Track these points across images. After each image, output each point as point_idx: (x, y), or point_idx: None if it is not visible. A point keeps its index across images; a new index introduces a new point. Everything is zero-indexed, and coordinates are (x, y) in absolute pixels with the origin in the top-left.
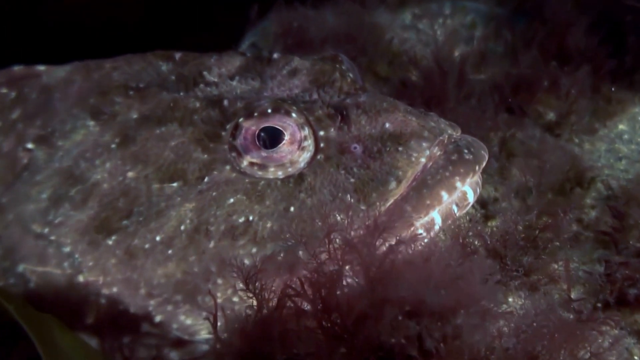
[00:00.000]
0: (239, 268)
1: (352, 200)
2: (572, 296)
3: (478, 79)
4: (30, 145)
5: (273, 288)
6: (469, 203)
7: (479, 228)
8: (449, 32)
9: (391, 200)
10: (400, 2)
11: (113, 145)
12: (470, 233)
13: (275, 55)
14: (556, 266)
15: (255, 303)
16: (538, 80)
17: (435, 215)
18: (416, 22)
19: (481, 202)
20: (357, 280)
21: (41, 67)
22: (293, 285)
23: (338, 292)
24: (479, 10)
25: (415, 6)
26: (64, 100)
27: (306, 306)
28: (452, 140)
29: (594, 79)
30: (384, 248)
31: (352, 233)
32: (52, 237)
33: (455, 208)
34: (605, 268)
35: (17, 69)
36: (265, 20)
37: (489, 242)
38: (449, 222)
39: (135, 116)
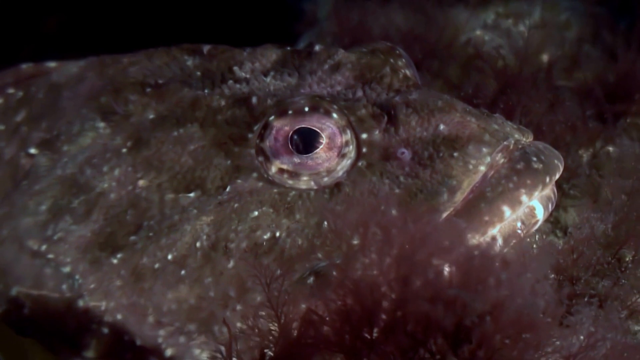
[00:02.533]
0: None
1: (396, 214)
2: None
3: (568, 86)
4: (33, 151)
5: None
6: (537, 221)
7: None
8: (537, 33)
9: (443, 215)
10: (482, 0)
11: (124, 150)
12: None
13: (317, 48)
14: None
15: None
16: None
17: (497, 234)
18: (500, 22)
19: (564, 228)
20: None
21: (52, 64)
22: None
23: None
24: (575, 8)
25: (500, 4)
26: (73, 100)
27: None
28: (519, 146)
29: None
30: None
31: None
32: (50, 256)
33: (520, 226)
34: None
35: (25, 66)
36: (325, 19)
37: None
38: (512, 242)
39: (151, 116)
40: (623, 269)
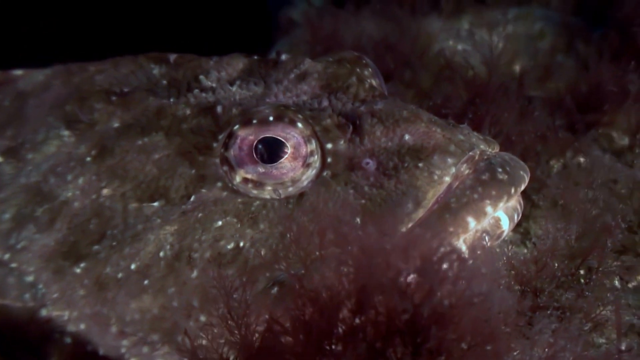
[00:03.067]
0: (225, 293)
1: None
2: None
3: (540, 96)
4: None
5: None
6: (503, 232)
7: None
8: (509, 43)
9: (407, 226)
10: (456, 9)
11: (88, 159)
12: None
13: (283, 57)
14: (604, 311)
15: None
16: (611, 97)
17: (461, 245)
18: (473, 32)
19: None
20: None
21: (18, 72)
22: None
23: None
24: (549, 18)
25: (474, 14)
26: (38, 108)
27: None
28: (485, 157)
29: None
30: None
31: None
32: (13, 265)
33: (486, 237)
34: None
35: None
36: (299, 26)
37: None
38: (478, 254)
39: (116, 125)
40: (587, 281)
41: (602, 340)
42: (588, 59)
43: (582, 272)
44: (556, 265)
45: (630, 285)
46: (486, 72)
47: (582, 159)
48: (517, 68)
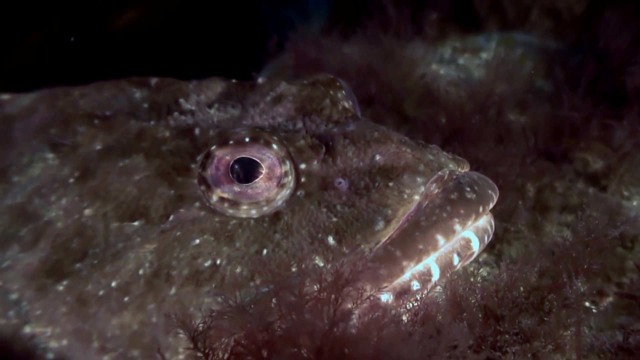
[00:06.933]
0: (182, 322)
1: (333, 242)
2: None
3: (518, 121)
4: None
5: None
6: (473, 253)
7: (472, 280)
8: (490, 68)
9: (378, 244)
10: (440, 34)
11: (71, 180)
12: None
13: (260, 80)
14: (565, 333)
15: None
16: (585, 124)
17: (433, 266)
18: (456, 57)
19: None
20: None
21: (4, 96)
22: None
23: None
24: (530, 43)
25: (457, 39)
26: (24, 131)
27: None
28: (454, 177)
29: None
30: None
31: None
32: None
33: (456, 258)
34: (624, 337)
35: None
36: (285, 51)
37: (479, 298)
38: (449, 274)
39: (98, 147)
40: (548, 310)
41: None
42: (564, 87)
43: (546, 304)
44: (518, 294)
45: (594, 310)
46: (466, 97)
47: (557, 184)
48: (497, 92)
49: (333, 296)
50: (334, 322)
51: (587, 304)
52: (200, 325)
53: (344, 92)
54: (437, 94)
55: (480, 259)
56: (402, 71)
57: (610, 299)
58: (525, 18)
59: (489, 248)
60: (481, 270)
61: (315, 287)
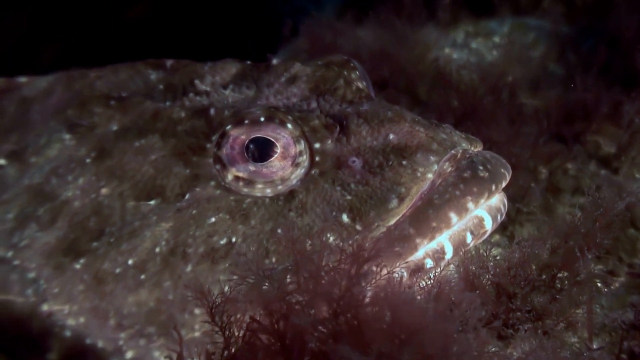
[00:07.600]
0: (201, 293)
1: (347, 220)
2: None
3: (531, 104)
4: (2, 162)
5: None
6: (486, 231)
7: (484, 258)
8: (503, 52)
9: (392, 221)
10: (453, 19)
11: (88, 160)
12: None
13: (274, 62)
14: (577, 310)
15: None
16: (596, 106)
17: (446, 244)
18: (469, 41)
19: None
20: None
21: (22, 79)
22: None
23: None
24: (542, 28)
25: (470, 23)
26: (41, 113)
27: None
28: (467, 155)
29: None
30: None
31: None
32: (16, 262)
33: (469, 236)
34: (635, 315)
35: None
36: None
37: (491, 276)
38: (462, 252)
39: (115, 128)
40: (559, 288)
41: (574, 339)
42: (576, 70)
43: (557, 282)
44: (530, 272)
45: (606, 290)
46: (479, 80)
47: (569, 166)
48: (510, 76)
49: (353, 269)
50: (351, 287)
51: (598, 284)
52: (218, 298)
53: (357, 72)
54: (450, 77)
55: (493, 240)
56: (415, 55)
57: (622, 279)
58: (538, 3)
59: (501, 229)
60: (493, 250)
61: (333, 260)
